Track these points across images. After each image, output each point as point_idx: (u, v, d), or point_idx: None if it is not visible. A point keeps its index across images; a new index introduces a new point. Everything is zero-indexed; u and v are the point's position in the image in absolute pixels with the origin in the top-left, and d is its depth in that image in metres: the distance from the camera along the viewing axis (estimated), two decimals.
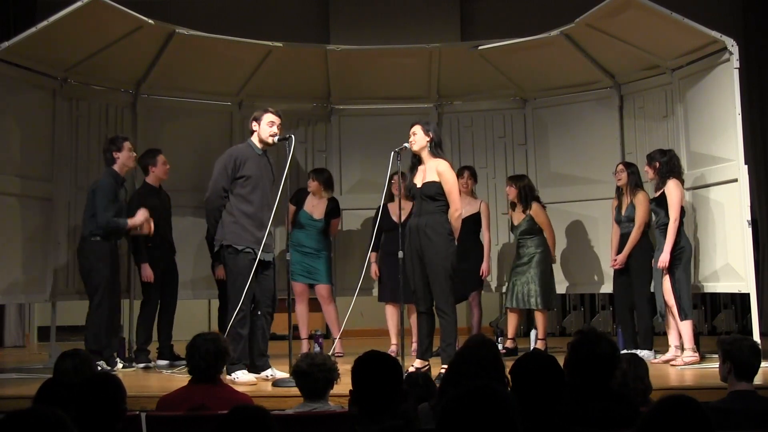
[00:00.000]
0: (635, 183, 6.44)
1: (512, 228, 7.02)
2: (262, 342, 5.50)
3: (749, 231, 5.78)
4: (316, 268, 6.96)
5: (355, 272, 6.74)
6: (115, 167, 6.18)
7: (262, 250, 5.38)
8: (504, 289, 7.74)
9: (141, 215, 6.13)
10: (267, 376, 5.41)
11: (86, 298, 6.19)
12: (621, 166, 6.57)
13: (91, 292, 6.07)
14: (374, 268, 6.90)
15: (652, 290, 6.34)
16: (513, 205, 7.01)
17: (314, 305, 7.26)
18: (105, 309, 6.04)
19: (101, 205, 6.01)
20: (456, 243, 5.49)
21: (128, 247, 6.71)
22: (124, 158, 6.20)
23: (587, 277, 7.37)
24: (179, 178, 6.95)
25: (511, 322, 7.03)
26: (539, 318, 6.86)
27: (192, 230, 7.13)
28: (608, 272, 6.87)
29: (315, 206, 7.02)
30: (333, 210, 7.08)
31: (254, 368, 5.47)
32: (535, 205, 6.88)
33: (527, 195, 6.91)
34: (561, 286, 7.56)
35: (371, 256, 6.79)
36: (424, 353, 5.53)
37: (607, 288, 7.19)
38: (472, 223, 6.97)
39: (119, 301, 6.49)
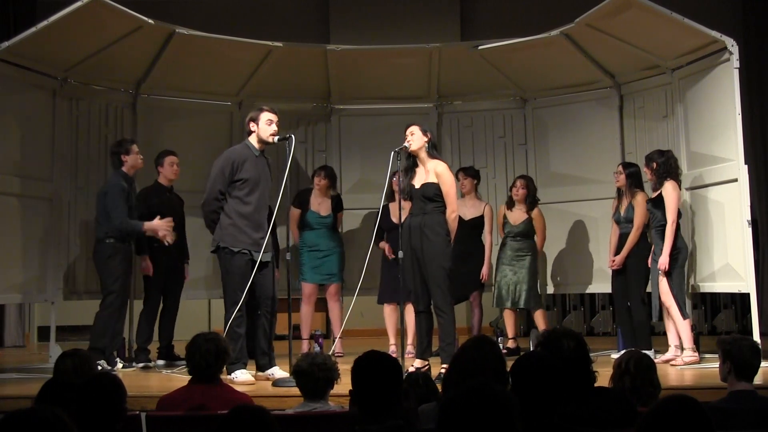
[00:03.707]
0: (634, 183, 6.43)
1: (504, 225, 7.01)
2: (263, 341, 5.51)
3: (749, 231, 5.78)
4: (330, 268, 6.99)
5: (355, 272, 6.74)
6: (124, 169, 6.20)
7: (261, 250, 5.38)
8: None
9: (158, 222, 6.11)
10: (268, 376, 5.42)
11: (86, 298, 6.19)
12: (620, 167, 6.57)
13: (104, 293, 6.10)
14: (385, 246, 6.82)
15: (649, 290, 6.35)
16: (511, 203, 7.01)
17: (317, 305, 7.27)
18: (115, 310, 6.06)
19: (115, 207, 6.04)
20: (452, 243, 5.50)
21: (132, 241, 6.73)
22: (132, 161, 6.24)
23: (587, 277, 7.36)
24: (179, 178, 6.94)
25: (509, 322, 7.03)
26: (540, 316, 6.88)
27: (192, 230, 7.13)
28: (609, 272, 6.86)
29: (321, 204, 7.05)
30: (338, 204, 7.14)
31: (258, 367, 5.50)
32: (536, 210, 6.93)
33: (533, 197, 6.94)
34: (562, 287, 7.57)
35: (380, 244, 6.79)
36: (423, 352, 5.53)
37: (608, 288, 7.19)
38: (475, 225, 6.97)
39: (127, 301, 6.49)
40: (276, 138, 5.51)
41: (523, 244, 6.90)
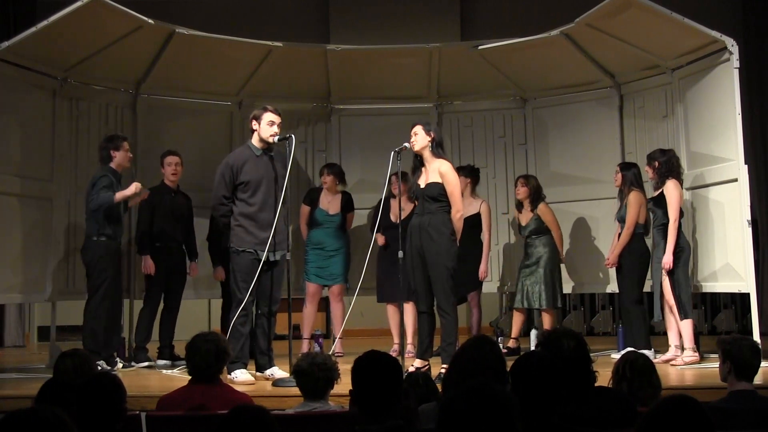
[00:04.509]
0: (631, 183, 6.43)
1: (519, 228, 7.02)
2: (262, 340, 5.52)
3: (749, 231, 5.78)
4: (334, 269, 6.98)
5: (356, 272, 6.74)
6: (112, 165, 6.18)
7: (267, 250, 5.39)
8: (506, 289, 7.77)
9: (131, 188, 6.05)
10: (268, 376, 5.42)
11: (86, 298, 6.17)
12: (617, 168, 6.58)
13: (91, 291, 6.07)
14: (380, 237, 6.81)
15: (647, 290, 6.36)
16: (519, 205, 7.02)
17: (318, 305, 7.27)
18: (104, 308, 6.03)
19: (95, 191, 5.97)
20: (457, 243, 5.50)
21: (133, 241, 6.72)
22: (121, 158, 6.21)
23: (588, 277, 7.37)
24: (179, 178, 6.94)
25: (516, 321, 7.01)
26: (546, 318, 6.86)
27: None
28: (608, 271, 6.86)
29: (330, 202, 7.06)
30: (347, 204, 7.13)
31: (258, 367, 5.52)
32: (542, 205, 6.90)
33: (538, 196, 6.92)
34: (564, 286, 7.56)
35: (376, 236, 6.74)
36: (424, 353, 5.53)
37: (608, 287, 7.19)
38: (472, 224, 6.96)
39: (121, 301, 6.49)
40: (276, 138, 5.51)
41: (537, 241, 6.88)
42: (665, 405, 2.25)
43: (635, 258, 6.36)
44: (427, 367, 5.37)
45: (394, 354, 5.67)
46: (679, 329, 6.03)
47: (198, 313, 8.42)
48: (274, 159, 5.58)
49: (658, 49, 6.64)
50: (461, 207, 5.55)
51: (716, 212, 6.13)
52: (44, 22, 6.04)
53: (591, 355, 3.14)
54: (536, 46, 7.18)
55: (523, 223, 6.95)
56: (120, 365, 6.22)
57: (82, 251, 6.20)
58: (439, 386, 3.69)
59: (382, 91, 7.84)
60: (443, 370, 5.04)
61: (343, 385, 3.42)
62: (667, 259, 5.95)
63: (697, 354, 5.95)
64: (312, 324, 7.05)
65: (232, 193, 5.49)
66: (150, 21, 6.51)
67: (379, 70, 7.61)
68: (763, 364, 3.73)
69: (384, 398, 2.92)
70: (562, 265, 7.03)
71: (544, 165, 7.66)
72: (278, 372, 5.41)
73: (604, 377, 3.35)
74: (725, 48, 5.93)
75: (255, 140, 5.56)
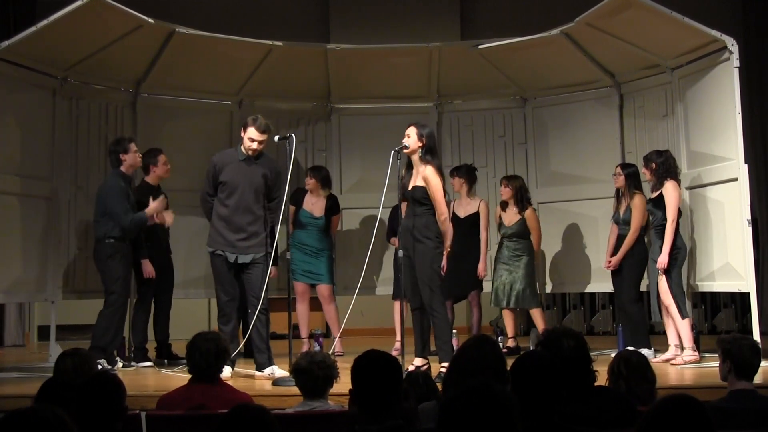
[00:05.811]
0: (633, 185, 6.43)
1: (500, 227, 7.02)
2: (257, 339, 5.57)
3: (749, 230, 5.79)
4: (318, 268, 6.97)
5: (355, 271, 6.73)
6: (123, 168, 6.21)
7: (238, 252, 5.52)
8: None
9: (157, 203, 6.19)
10: (268, 374, 5.43)
11: (86, 297, 6.18)
12: (618, 168, 6.57)
13: (106, 293, 6.10)
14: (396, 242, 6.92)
15: (644, 289, 6.36)
16: (504, 205, 7.02)
17: (314, 304, 7.26)
18: (118, 309, 6.06)
19: (119, 208, 6.04)
20: (446, 246, 5.50)
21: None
22: (131, 160, 6.25)
23: (587, 276, 7.37)
24: (178, 178, 6.95)
25: (508, 321, 7.02)
26: (537, 316, 6.88)
27: (192, 230, 7.13)
28: (608, 271, 6.86)
29: (314, 204, 7.03)
30: (332, 207, 7.09)
31: (257, 366, 5.57)
32: (530, 210, 6.92)
33: (522, 197, 6.91)
34: (561, 286, 7.56)
35: (391, 240, 6.85)
36: (422, 350, 5.54)
37: (607, 287, 7.19)
38: (471, 222, 6.96)
39: (127, 301, 6.49)
40: (251, 152, 5.57)
41: (519, 244, 6.89)
42: (665, 404, 2.25)
43: (635, 259, 6.37)
44: (427, 366, 5.37)
45: (395, 353, 5.68)
46: (678, 329, 6.03)
47: (198, 313, 8.42)
48: (260, 166, 5.61)
49: (658, 49, 6.63)
50: (445, 210, 5.57)
51: (716, 212, 6.13)
52: (44, 22, 6.04)
53: (591, 354, 3.15)
54: (536, 45, 7.17)
55: (507, 223, 6.95)
56: (120, 365, 6.22)
57: (94, 254, 6.24)
58: (439, 385, 3.70)
59: (382, 90, 7.83)
60: (443, 369, 5.04)
61: (343, 384, 3.42)
62: (663, 260, 5.96)
63: (696, 353, 5.96)
64: (307, 322, 7.06)
65: (215, 190, 5.61)
66: (150, 20, 6.50)
67: (379, 69, 7.61)
68: (763, 363, 3.73)
69: (384, 398, 2.92)
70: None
71: (543, 164, 7.66)
72: (278, 371, 5.42)
73: (604, 377, 3.36)
74: (725, 47, 5.93)
75: (242, 146, 5.62)
